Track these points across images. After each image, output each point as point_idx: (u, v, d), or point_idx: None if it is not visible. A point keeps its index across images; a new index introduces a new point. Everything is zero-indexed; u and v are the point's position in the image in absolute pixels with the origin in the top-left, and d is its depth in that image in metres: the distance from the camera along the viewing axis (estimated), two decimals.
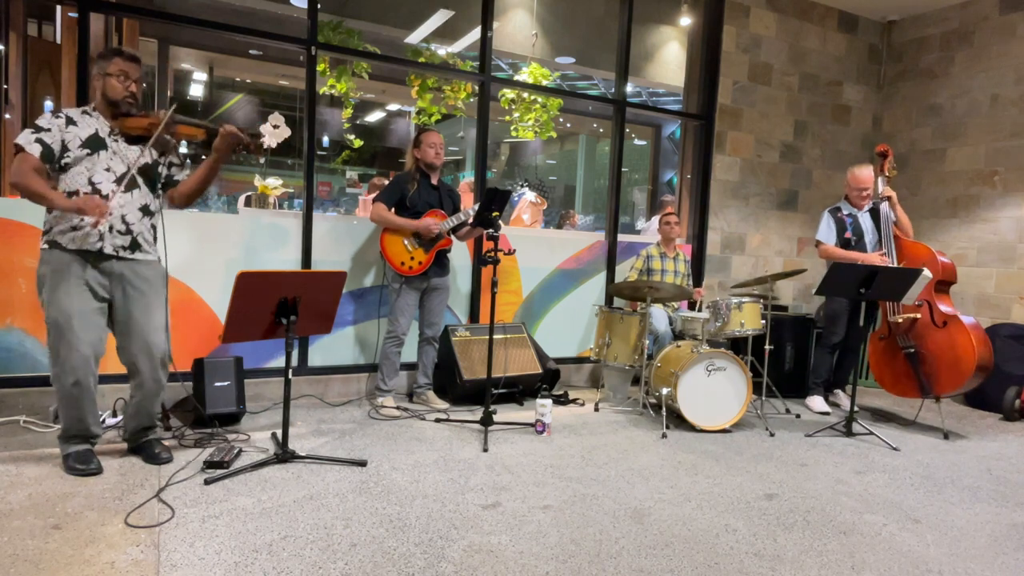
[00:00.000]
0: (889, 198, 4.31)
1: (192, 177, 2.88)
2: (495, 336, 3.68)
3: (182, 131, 2.78)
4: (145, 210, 2.75)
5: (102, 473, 2.65)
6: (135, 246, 2.71)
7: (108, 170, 2.64)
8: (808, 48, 5.75)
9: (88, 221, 2.55)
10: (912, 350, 4.13)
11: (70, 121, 2.62)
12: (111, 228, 2.63)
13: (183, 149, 2.99)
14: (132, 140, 2.72)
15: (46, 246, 2.61)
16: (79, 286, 2.59)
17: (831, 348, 4.48)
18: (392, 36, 6.13)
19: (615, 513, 2.56)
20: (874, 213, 4.42)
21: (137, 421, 2.86)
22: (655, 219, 6.23)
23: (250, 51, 7.05)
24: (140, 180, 2.72)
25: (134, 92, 2.69)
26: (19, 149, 2.52)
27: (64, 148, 2.58)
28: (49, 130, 2.57)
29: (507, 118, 5.68)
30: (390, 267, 3.79)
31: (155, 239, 2.82)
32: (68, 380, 2.59)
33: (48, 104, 4.50)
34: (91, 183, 2.61)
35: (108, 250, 2.63)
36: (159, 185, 2.83)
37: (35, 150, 2.52)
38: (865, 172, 4.37)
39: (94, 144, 2.63)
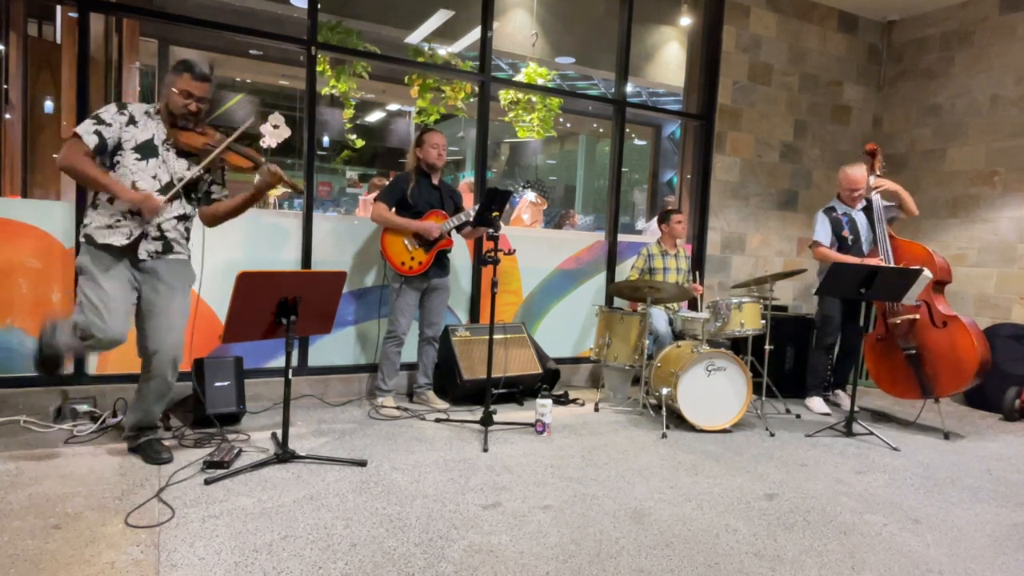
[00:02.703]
0: (878, 188, 4.30)
1: (226, 204, 2.94)
2: (495, 336, 3.68)
3: (231, 159, 2.82)
4: (181, 218, 2.83)
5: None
6: (167, 249, 2.79)
7: (155, 178, 2.71)
8: (808, 48, 5.75)
9: (131, 224, 2.66)
10: (913, 352, 4.12)
11: (132, 121, 2.69)
12: (146, 235, 2.71)
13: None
14: (182, 153, 2.77)
15: (83, 239, 2.69)
16: (118, 278, 2.66)
17: (826, 349, 4.48)
18: (392, 36, 6.12)
19: (615, 513, 2.56)
20: (868, 211, 4.42)
21: (138, 416, 2.87)
22: (656, 220, 6.23)
23: (250, 51, 7.04)
24: (181, 192, 2.78)
25: (192, 111, 2.74)
26: (75, 136, 2.58)
27: (119, 146, 2.66)
28: (110, 125, 2.64)
29: (506, 118, 5.68)
30: (390, 267, 3.79)
31: (187, 238, 2.89)
32: (86, 335, 2.59)
33: (48, 105, 4.51)
34: (135, 187, 2.67)
35: (142, 255, 2.72)
36: (196, 197, 2.90)
37: (91, 141, 2.59)
38: (858, 172, 4.36)
39: (147, 151, 2.70)
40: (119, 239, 2.66)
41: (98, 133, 2.61)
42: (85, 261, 2.68)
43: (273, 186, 2.86)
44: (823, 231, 4.38)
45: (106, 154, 2.65)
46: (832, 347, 4.48)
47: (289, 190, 3.10)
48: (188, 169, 2.77)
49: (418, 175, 3.84)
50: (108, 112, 2.66)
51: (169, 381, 2.84)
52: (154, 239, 2.74)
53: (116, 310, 2.62)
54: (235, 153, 2.82)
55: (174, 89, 2.70)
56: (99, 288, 2.62)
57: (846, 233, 4.36)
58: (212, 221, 2.97)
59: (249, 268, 3.13)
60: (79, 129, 2.60)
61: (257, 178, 2.83)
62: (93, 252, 2.66)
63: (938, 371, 4.04)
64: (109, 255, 2.67)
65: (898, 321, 4.17)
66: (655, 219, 6.36)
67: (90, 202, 2.75)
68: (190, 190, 2.84)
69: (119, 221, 2.66)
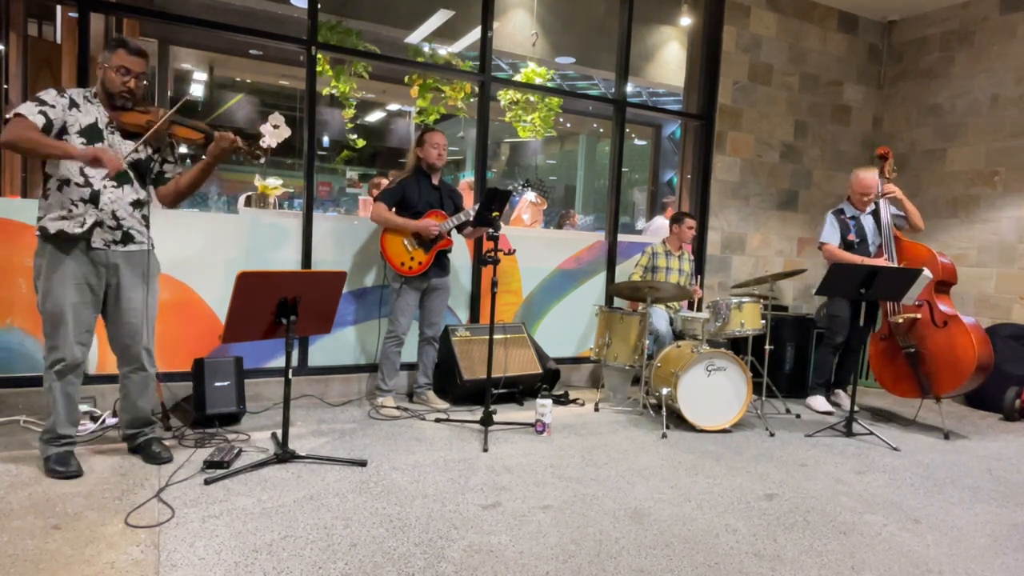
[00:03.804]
0: (888, 194, 4.32)
1: (183, 178, 2.85)
2: (495, 336, 3.68)
3: (179, 132, 2.75)
4: (136, 204, 2.73)
5: (82, 476, 2.62)
6: (127, 239, 2.70)
7: None
8: (808, 48, 5.74)
9: (100, 173, 2.57)
10: (912, 350, 4.13)
11: (73, 103, 2.60)
12: (101, 223, 2.62)
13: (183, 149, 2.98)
14: (127, 135, 2.69)
15: (39, 233, 2.61)
16: (73, 281, 2.60)
17: (834, 348, 4.48)
18: (392, 36, 6.13)
19: (615, 513, 2.56)
20: (876, 215, 4.43)
21: (131, 414, 2.86)
22: (656, 219, 6.24)
23: (250, 51, 7.05)
24: (132, 175, 2.71)
25: (131, 88, 2.65)
26: (18, 115, 2.47)
27: (63, 131, 2.56)
28: (54, 107, 2.54)
29: (506, 118, 5.68)
30: (390, 267, 3.79)
31: (147, 226, 2.79)
32: (58, 360, 2.59)
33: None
34: (83, 174, 2.59)
35: (98, 244, 2.63)
36: (149, 180, 2.81)
37: (38, 121, 2.48)
38: (870, 176, 4.38)
39: (91, 135, 2.61)
40: (73, 227, 2.57)
41: (43, 113, 2.50)
42: (41, 264, 2.59)
43: (229, 152, 2.76)
44: (832, 232, 4.41)
45: (51, 135, 2.53)
46: (840, 346, 4.49)
47: (285, 188, 3.08)
48: (136, 151, 2.68)
49: (418, 175, 3.84)
50: (49, 95, 2.56)
51: (148, 371, 2.83)
52: (111, 228, 2.64)
53: (73, 323, 2.59)
54: (182, 126, 2.73)
55: (110, 66, 2.61)
56: (54, 303, 2.57)
57: (852, 236, 4.38)
58: (172, 200, 2.87)
59: (249, 268, 3.14)
60: (22, 109, 2.46)
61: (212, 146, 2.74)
62: (49, 251, 2.58)
63: (937, 370, 4.05)
64: (65, 248, 2.58)
65: (900, 320, 4.18)
66: (656, 217, 6.36)
67: (40, 192, 2.63)
68: (142, 172, 2.75)
69: (71, 211, 2.57)
